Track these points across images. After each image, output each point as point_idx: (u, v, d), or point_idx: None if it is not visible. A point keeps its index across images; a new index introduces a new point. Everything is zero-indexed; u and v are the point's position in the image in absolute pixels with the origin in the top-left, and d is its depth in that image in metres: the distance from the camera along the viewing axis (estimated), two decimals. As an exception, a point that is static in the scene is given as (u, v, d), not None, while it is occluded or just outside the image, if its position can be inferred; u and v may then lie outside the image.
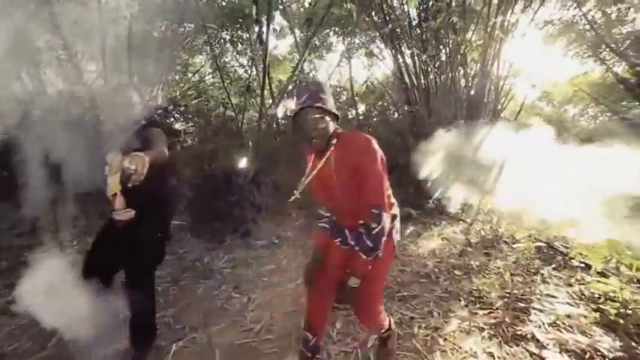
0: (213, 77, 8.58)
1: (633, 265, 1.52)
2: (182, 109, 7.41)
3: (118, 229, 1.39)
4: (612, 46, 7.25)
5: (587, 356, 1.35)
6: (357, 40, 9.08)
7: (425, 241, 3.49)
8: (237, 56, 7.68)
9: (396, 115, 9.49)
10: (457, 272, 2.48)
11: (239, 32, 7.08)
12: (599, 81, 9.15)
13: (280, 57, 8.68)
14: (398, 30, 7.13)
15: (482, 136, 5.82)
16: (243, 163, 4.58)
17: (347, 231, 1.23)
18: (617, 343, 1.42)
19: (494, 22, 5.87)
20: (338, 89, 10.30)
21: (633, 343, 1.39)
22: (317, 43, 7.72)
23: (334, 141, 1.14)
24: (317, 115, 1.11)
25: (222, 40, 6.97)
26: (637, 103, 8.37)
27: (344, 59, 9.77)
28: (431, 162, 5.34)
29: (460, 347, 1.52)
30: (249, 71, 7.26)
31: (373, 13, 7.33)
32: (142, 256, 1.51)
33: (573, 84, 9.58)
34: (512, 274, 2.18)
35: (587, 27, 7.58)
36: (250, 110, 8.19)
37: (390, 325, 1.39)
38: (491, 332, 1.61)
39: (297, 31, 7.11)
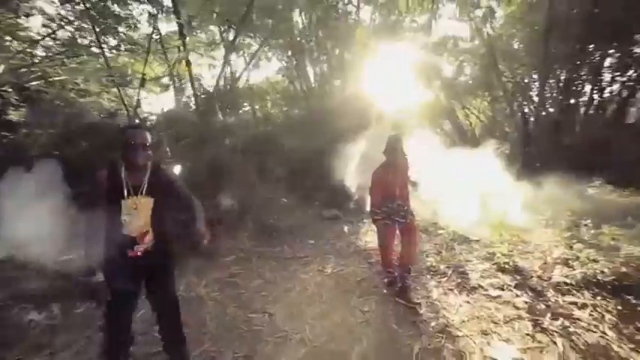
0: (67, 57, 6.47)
1: (513, 235, 2.93)
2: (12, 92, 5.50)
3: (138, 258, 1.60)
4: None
5: (504, 287, 2.57)
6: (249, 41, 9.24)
7: (367, 237, 4.43)
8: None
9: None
10: (408, 256, 3.51)
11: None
12: (433, 104, 13.35)
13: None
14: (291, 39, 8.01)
15: (376, 141, 7.50)
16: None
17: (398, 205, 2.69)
18: (509, 277, 2.74)
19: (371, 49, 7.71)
20: (225, 89, 10.12)
21: (515, 276, 2.74)
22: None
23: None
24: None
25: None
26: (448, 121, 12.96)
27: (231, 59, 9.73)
28: (342, 166, 6.47)
29: (450, 303, 2.44)
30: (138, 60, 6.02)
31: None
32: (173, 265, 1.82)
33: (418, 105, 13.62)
34: (446, 252, 3.40)
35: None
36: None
37: None
38: (458, 290, 2.64)
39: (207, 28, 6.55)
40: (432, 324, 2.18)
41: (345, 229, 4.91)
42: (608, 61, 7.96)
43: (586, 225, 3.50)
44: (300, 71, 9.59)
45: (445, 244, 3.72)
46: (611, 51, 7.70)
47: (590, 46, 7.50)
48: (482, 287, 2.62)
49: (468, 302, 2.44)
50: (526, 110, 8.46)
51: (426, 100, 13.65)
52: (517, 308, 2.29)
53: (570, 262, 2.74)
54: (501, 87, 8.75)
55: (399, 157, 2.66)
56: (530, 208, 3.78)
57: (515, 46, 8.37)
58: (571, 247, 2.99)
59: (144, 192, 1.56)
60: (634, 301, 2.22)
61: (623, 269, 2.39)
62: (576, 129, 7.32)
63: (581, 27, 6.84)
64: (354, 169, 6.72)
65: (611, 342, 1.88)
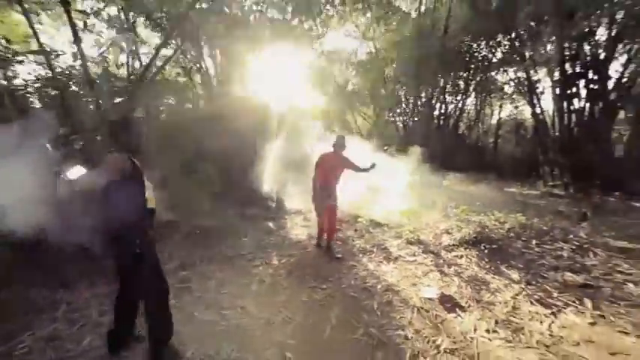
0: None
1: (414, 217, 4.08)
2: None
3: None
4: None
5: (416, 254, 3.63)
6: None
7: (296, 230, 4.94)
8: None
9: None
10: (339, 242, 4.25)
11: None
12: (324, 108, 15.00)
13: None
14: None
15: (291, 146, 8.09)
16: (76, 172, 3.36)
17: (330, 188, 3.66)
18: (416, 247, 3.85)
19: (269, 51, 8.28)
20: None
21: (419, 245, 3.88)
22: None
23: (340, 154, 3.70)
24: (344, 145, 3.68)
25: None
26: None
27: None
28: (255, 166, 6.79)
29: (384, 271, 3.28)
30: None
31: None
32: None
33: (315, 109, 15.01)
34: (367, 235, 4.31)
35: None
36: None
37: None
38: (386, 261, 3.52)
39: None
40: (379, 287, 2.93)
41: (271, 225, 5.26)
42: (448, 87, 11.29)
43: (451, 206, 5.16)
44: (198, 65, 9.00)
45: (364, 230, 4.67)
46: (450, 80, 10.99)
47: (439, 75, 10.44)
48: (401, 256, 3.61)
49: (396, 268, 3.34)
50: (401, 119, 10.91)
51: (319, 104, 15.33)
52: (427, 265, 3.35)
53: (450, 230, 4.12)
54: (383, 98, 10.94)
55: (340, 151, 3.66)
56: (419, 197, 5.25)
57: (393, 66, 10.68)
58: (448, 222, 4.43)
59: None
60: (483, 247, 3.65)
61: (478, 229, 3.86)
62: (432, 136, 10.09)
63: (433, 61, 9.48)
64: (268, 168, 7.08)
65: (477, 272, 3.11)
